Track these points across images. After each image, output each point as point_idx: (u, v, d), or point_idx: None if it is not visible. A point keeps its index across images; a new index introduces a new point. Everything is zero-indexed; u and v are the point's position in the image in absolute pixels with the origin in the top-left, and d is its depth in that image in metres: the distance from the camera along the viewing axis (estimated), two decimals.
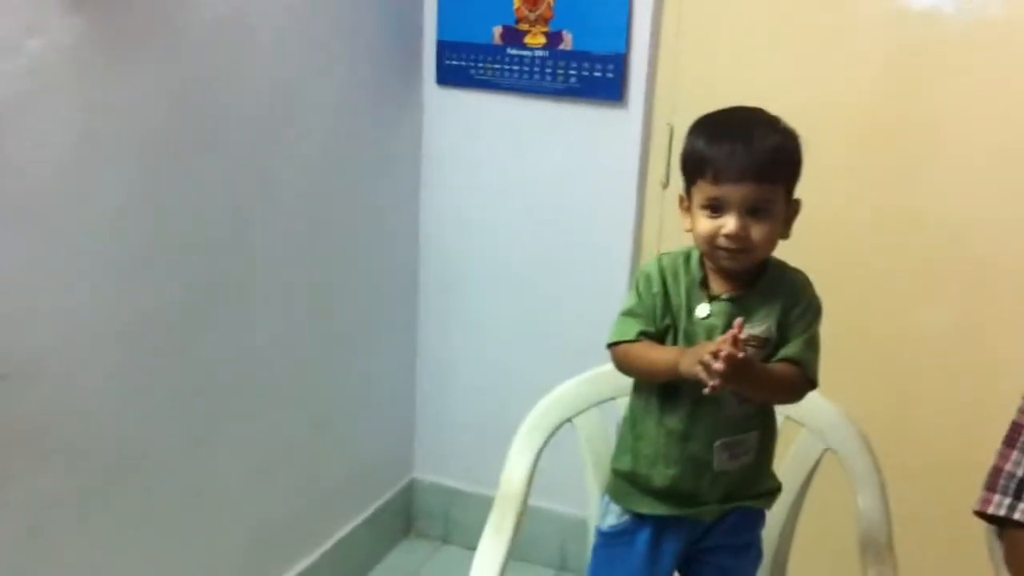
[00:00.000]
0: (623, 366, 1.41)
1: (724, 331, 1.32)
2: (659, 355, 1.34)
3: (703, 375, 1.21)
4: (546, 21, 2.18)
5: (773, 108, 1.35)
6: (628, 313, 1.40)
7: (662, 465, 1.40)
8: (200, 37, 1.70)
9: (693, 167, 1.32)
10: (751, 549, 1.49)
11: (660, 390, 1.39)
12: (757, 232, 1.28)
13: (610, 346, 1.42)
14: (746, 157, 1.26)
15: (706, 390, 1.22)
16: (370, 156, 2.24)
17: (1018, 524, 1.32)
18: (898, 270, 2.07)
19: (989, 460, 1.37)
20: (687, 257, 1.39)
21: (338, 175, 2.13)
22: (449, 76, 2.31)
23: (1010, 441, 1.36)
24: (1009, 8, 1.90)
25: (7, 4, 1.35)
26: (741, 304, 1.34)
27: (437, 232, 2.45)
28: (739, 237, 1.27)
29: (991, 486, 1.36)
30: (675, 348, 1.34)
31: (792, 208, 1.33)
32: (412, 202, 2.43)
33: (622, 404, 1.62)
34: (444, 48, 2.30)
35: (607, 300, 2.26)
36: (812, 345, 1.34)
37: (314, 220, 2.08)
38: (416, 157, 2.40)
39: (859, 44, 2.01)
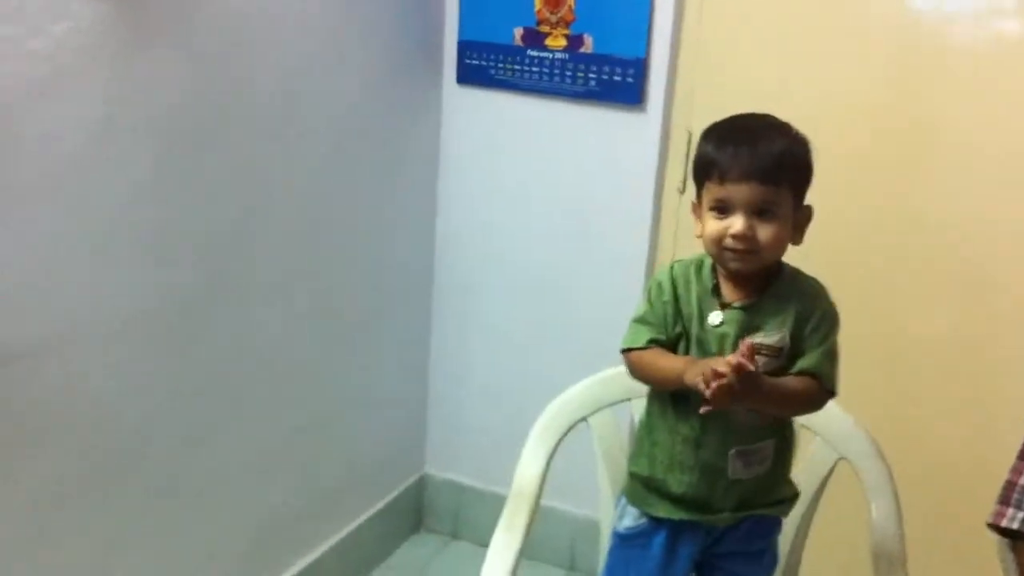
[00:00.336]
0: (635, 372, 1.43)
1: (736, 340, 1.34)
2: (668, 364, 1.35)
3: (702, 387, 1.22)
4: (567, 23, 2.19)
5: (790, 113, 1.36)
6: (639, 320, 1.42)
7: (677, 471, 1.41)
8: (220, 26, 1.70)
9: (702, 170, 1.34)
10: (765, 555, 1.50)
11: (673, 396, 1.40)
12: (764, 233, 1.29)
13: (623, 352, 1.43)
14: (750, 158, 1.28)
15: (702, 409, 1.24)
16: (387, 154, 2.24)
17: None
18: (900, 272, 2.08)
19: (993, 465, 1.38)
20: (699, 265, 1.40)
21: (354, 172, 2.14)
22: (469, 76, 2.32)
23: None
24: (1018, 12, 1.90)
25: None
26: (754, 312, 1.35)
27: (453, 232, 2.46)
28: (745, 237, 1.29)
29: (1005, 499, 1.36)
30: (684, 358, 1.35)
31: (804, 214, 1.35)
32: (428, 201, 2.44)
33: (636, 405, 1.64)
34: (465, 48, 2.31)
35: (622, 303, 2.26)
36: (830, 356, 1.35)
37: (328, 216, 2.09)
38: (434, 156, 2.41)
39: (877, 51, 2.02)
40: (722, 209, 1.31)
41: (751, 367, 1.21)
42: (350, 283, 2.21)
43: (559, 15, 2.19)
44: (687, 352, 1.38)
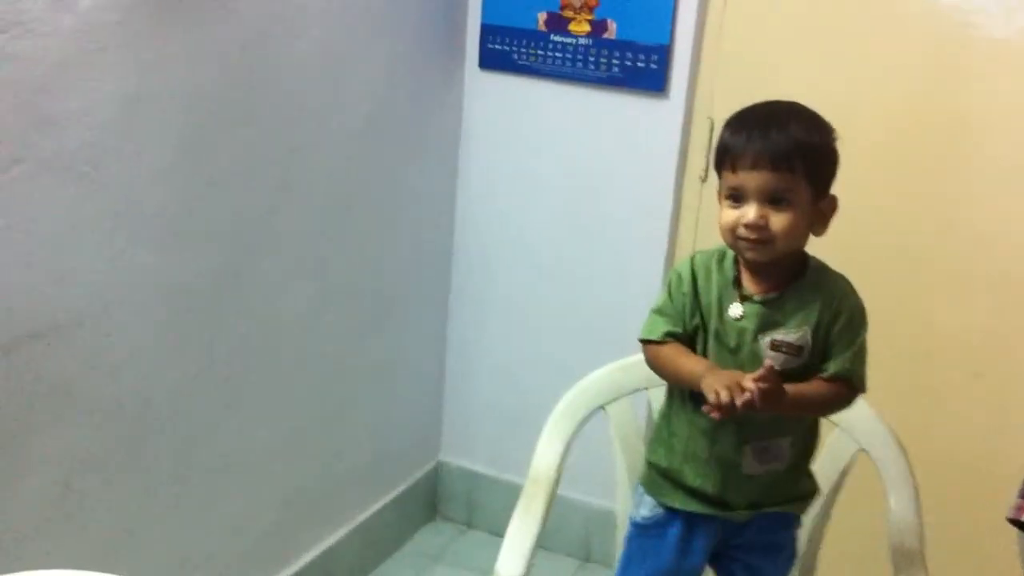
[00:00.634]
0: (652, 365, 1.42)
1: (756, 334, 1.32)
2: (686, 365, 1.33)
3: (721, 399, 1.20)
4: (591, 9, 2.17)
5: (814, 104, 1.34)
6: (657, 311, 1.40)
7: (693, 462, 1.40)
8: (248, 7, 1.70)
9: (718, 158, 1.33)
10: (783, 550, 1.48)
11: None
12: (777, 222, 1.26)
13: (641, 342, 1.42)
14: (761, 144, 1.26)
15: (704, 408, 1.23)
16: (409, 136, 2.24)
17: None
18: (928, 269, 2.05)
19: (1013, 461, 1.36)
20: (721, 256, 1.38)
21: (376, 153, 2.14)
22: (491, 60, 2.31)
23: None
24: None
25: None
26: (775, 306, 1.32)
27: (472, 216, 2.45)
28: (758, 227, 1.26)
29: None
30: (703, 363, 1.33)
31: (827, 204, 1.31)
32: (448, 184, 2.43)
33: (654, 394, 1.63)
34: (488, 32, 2.29)
35: (641, 291, 2.27)
36: (859, 356, 1.32)
37: (351, 195, 2.09)
38: (455, 139, 2.40)
39: (908, 43, 1.99)
40: (736, 197, 1.29)
41: (772, 387, 1.20)
42: (369, 269, 2.21)
43: (583, 0, 2.17)
44: (705, 344, 1.36)
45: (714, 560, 1.50)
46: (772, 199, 1.26)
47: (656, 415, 1.53)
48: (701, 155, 2.18)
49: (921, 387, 2.08)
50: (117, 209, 1.54)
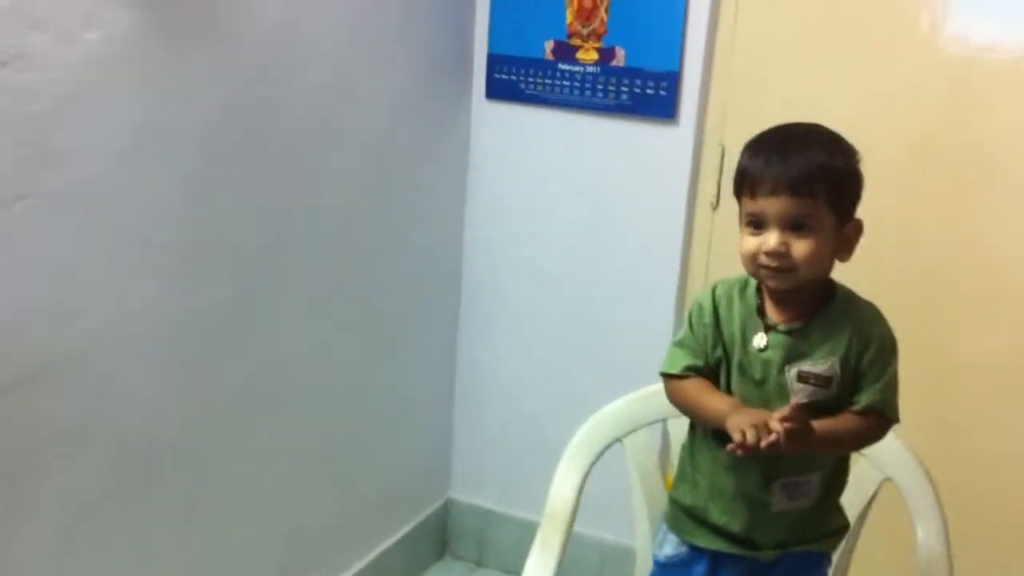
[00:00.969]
0: (673, 401, 1.37)
1: (782, 367, 1.28)
2: (709, 403, 1.29)
3: (747, 439, 1.16)
4: (599, 37, 2.16)
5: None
6: (678, 344, 1.36)
7: (719, 499, 1.35)
8: (255, 38, 1.69)
9: (737, 183, 1.29)
10: None
11: None
12: (799, 249, 1.22)
13: (662, 376, 1.38)
14: (781, 169, 1.22)
15: (729, 447, 1.19)
16: (416, 166, 2.22)
17: None
18: (950, 295, 2.02)
19: None
20: (744, 285, 1.34)
21: (383, 184, 2.12)
22: (498, 90, 2.29)
23: None
24: None
25: None
26: (801, 337, 1.28)
27: (481, 246, 2.42)
28: (779, 254, 1.22)
29: None
30: (728, 400, 1.29)
31: (852, 229, 1.27)
32: (456, 216, 2.40)
33: (673, 425, 1.59)
34: (494, 62, 2.28)
35: (653, 320, 2.25)
36: (891, 386, 1.28)
37: (358, 227, 2.06)
38: (462, 169, 2.38)
39: (917, 62, 1.97)
40: (756, 224, 1.25)
41: (800, 426, 1.17)
42: (377, 301, 2.18)
43: (591, 28, 2.16)
44: (728, 377, 1.32)
45: None
46: (793, 225, 1.22)
47: (677, 447, 1.48)
48: (712, 182, 2.16)
49: (945, 415, 2.03)
50: (122, 244, 1.52)
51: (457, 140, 2.34)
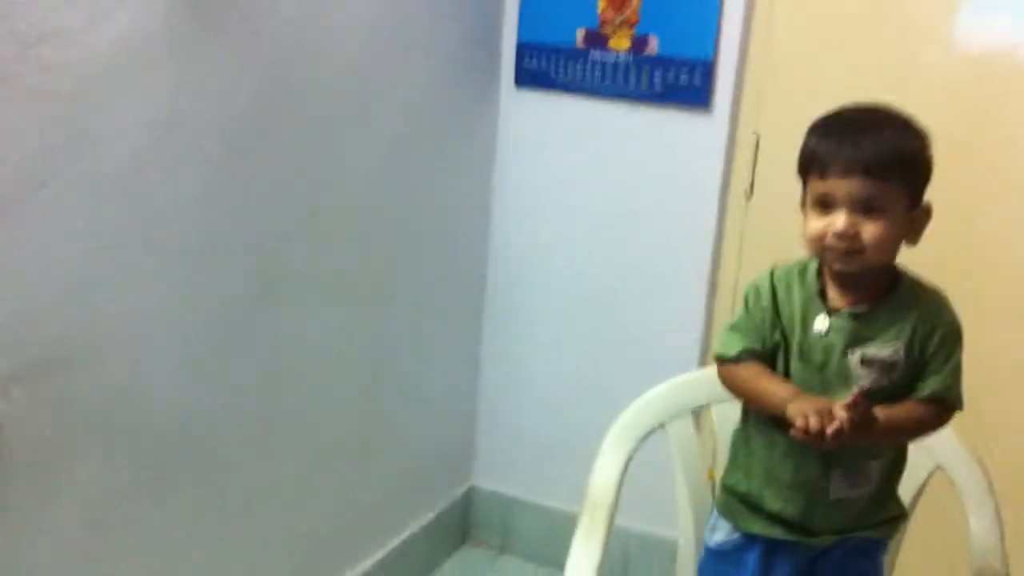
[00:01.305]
0: (729, 385, 1.35)
1: (844, 351, 1.26)
2: (769, 388, 1.27)
3: (810, 425, 1.15)
4: (632, 25, 2.14)
5: None
6: (734, 328, 1.34)
7: (774, 486, 1.34)
8: (280, 25, 1.66)
9: (805, 164, 1.27)
10: None
11: None
12: (869, 231, 1.21)
13: (716, 360, 1.36)
14: (854, 150, 1.20)
15: (793, 431, 1.17)
16: (442, 156, 2.19)
17: None
18: (968, 295, 1.99)
19: None
20: (803, 268, 1.32)
21: (409, 173, 2.09)
22: (528, 78, 2.27)
23: None
24: None
25: None
26: (865, 321, 1.26)
27: (507, 236, 2.40)
28: (847, 236, 1.20)
29: None
30: (789, 386, 1.27)
31: (921, 213, 1.26)
32: (483, 204, 2.38)
33: (718, 411, 1.57)
34: (524, 49, 2.26)
35: (682, 313, 2.23)
36: (955, 373, 1.27)
37: (383, 217, 2.04)
38: (489, 158, 2.36)
39: (955, 60, 1.96)
40: (825, 205, 1.23)
41: (864, 415, 1.15)
42: (402, 289, 2.16)
43: (623, 16, 2.14)
44: (787, 362, 1.30)
45: None
46: (864, 208, 1.21)
47: (726, 434, 1.46)
48: (746, 171, 2.14)
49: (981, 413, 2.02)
50: (146, 232, 1.48)
51: (485, 129, 2.32)
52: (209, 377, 1.66)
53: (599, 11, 2.16)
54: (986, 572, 1.43)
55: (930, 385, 1.26)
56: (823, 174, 1.22)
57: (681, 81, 2.12)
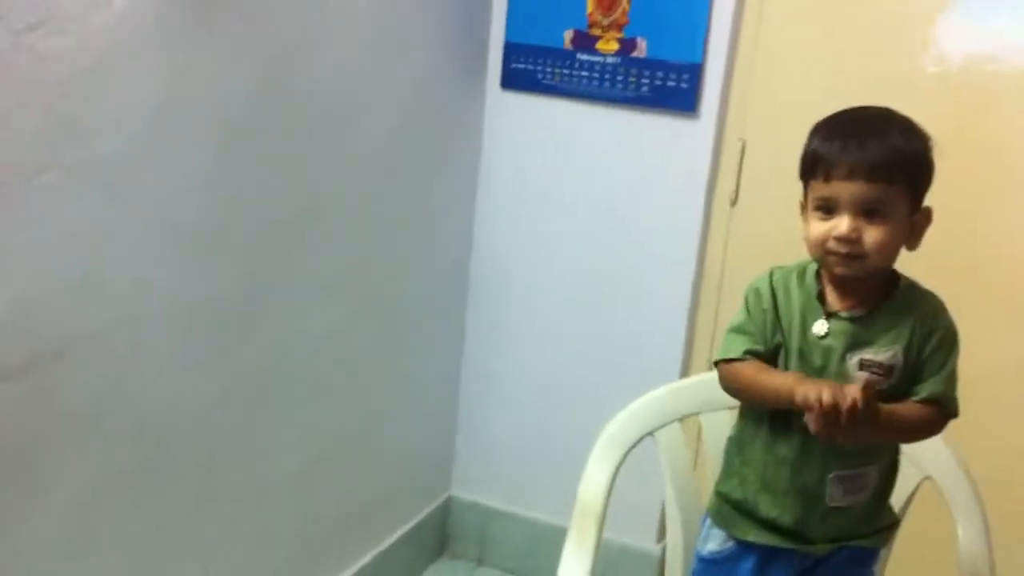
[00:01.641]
0: (730, 387, 1.33)
1: (844, 354, 1.25)
2: (771, 379, 1.25)
3: (813, 399, 1.13)
4: (620, 27, 2.12)
5: None
6: (736, 330, 1.32)
7: (769, 493, 1.32)
8: (277, 17, 1.64)
9: (807, 167, 1.26)
10: None
11: (772, 413, 1.30)
12: (871, 236, 1.20)
13: (717, 364, 1.34)
14: (858, 153, 1.19)
15: (808, 416, 1.15)
16: (429, 156, 2.16)
17: None
18: (964, 304, 2.00)
19: None
20: (802, 271, 1.31)
21: (395, 172, 2.06)
22: (514, 80, 2.25)
23: None
24: None
25: None
26: (864, 324, 1.25)
27: (491, 238, 2.36)
28: (850, 240, 1.20)
29: None
30: (791, 374, 1.25)
31: (922, 217, 1.25)
32: (467, 207, 2.35)
33: (707, 420, 1.56)
34: (511, 51, 2.24)
35: (667, 318, 2.21)
36: (951, 379, 1.26)
37: (373, 215, 2.01)
38: (475, 160, 2.33)
39: (944, 68, 1.95)
40: (827, 209, 1.22)
41: (872, 402, 1.14)
42: (387, 291, 2.13)
43: (612, 18, 2.12)
44: (786, 365, 1.28)
45: None
46: (867, 211, 1.20)
47: (716, 443, 1.45)
48: (732, 177, 2.13)
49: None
50: (143, 222, 1.46)
51: (470, 130, 2.29)
52: (201, 371, 1.64)
53: (588, 12, 2.14)
54: None
55: (928, 387, 1.25)
56: (827, 177, 1.21)
57: (669, 85, 2.10)
